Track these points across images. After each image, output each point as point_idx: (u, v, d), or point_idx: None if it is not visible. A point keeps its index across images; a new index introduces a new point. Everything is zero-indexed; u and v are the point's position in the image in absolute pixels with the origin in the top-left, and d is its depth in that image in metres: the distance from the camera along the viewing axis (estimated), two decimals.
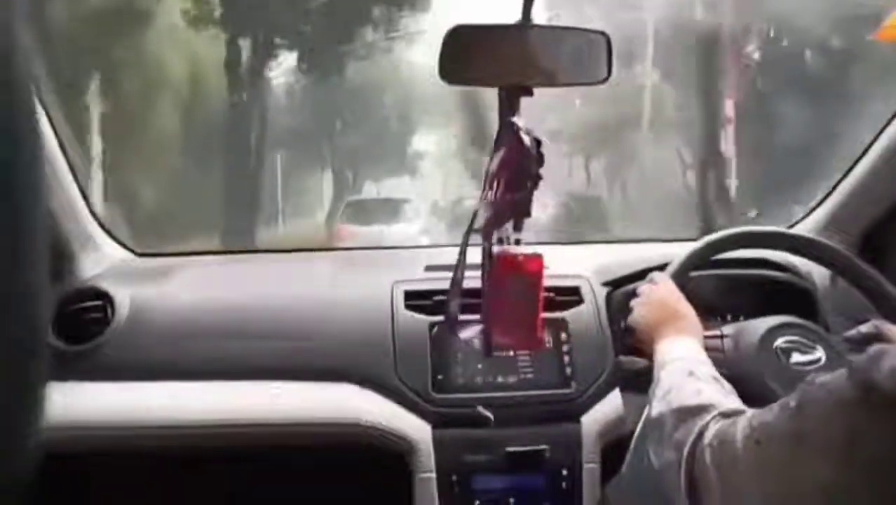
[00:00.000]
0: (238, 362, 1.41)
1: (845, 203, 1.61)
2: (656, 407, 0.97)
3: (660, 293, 1.19)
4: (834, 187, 1.64)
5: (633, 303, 1.21)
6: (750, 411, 0.82)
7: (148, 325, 1.45)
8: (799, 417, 0.72)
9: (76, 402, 1.33)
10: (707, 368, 1.01)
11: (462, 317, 1.35)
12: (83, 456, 1.34)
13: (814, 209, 1.68)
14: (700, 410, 0.88)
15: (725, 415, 0.85)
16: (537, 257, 1.06)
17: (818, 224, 1.64)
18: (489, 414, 1.33)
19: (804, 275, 1.52)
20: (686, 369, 0.99)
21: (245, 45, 9.29)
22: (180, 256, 1.93)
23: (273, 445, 1.42)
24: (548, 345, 1.44)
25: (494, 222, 1.01)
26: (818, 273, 1.50)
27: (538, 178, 0.98)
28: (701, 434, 0.85)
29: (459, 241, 1.08)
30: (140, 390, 1.38)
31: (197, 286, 1.59)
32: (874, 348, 0.70)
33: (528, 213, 0.99)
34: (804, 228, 1.64)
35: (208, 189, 9.20)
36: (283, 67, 10.50)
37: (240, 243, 8.32)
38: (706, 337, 1.17)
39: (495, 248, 1.04)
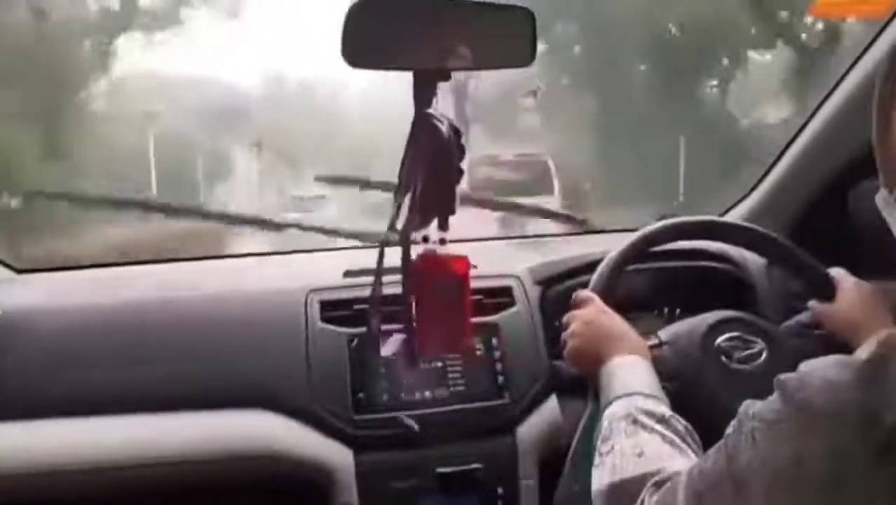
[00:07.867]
0: (132, 392, 1.25)
1: (777, 189, 1.58)
2: (598, 473, 0.92)
3: (589, 317, 1.11)
4: (766, 174, 1.60)
5: (564, 335, 1.13)
6: (687, 467, 0.78)
7: (20, 352, 1.27)
8: (737, 457, 0.68)
9: None
10: (652, 403, 0.95)
11: (384, 327, 1.24)
12: None
13: (745, 196, 1.64)
14: (638, 483, 0.84)
15: (659, 484, 0.81)
16: (463, 258, 0.99)
17: (751, 211, 1.60)
18: (413, 423, 1.23)
19: (740, 264, 1.47)
20: (630, 415, 0.94)
21: None
22: (67, 271, 1.74)
23: (176, 485, 1.25)
24: (478, 352, 1.33)
25: (419, 222, 0.93)
26: (753, 261, 1.45)
27: (461, 172, 0.92)
28: None
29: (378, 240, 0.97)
30: (7, 431, 1.20)
31: (83, 306, 1.40)
32: (802, 365, 0.67)
33: (453, 210, 0.93)
34: (736, 216, 1.60)
35: None
36: None
37: None
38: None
39: (418, 250, 0.96)
